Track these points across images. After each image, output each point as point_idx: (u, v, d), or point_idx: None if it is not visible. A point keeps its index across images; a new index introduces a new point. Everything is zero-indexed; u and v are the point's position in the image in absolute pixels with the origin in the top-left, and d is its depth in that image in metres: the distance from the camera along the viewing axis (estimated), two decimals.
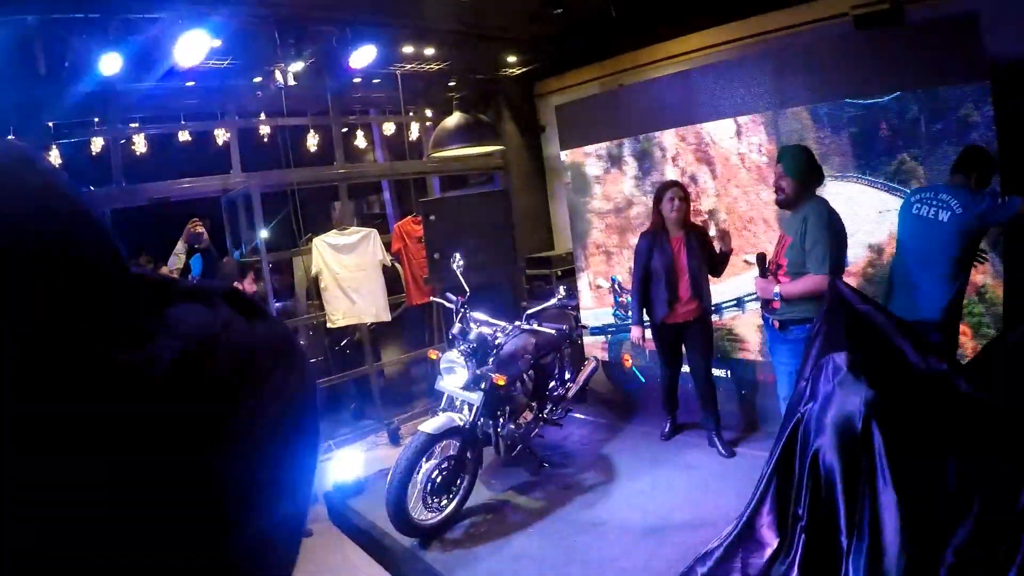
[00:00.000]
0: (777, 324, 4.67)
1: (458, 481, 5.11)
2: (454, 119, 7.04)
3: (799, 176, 4.57)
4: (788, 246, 4.59)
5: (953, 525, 2.73)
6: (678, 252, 5.69)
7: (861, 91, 5.57)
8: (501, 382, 5.22)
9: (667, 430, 6.27)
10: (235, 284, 4.55)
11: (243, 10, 5.29)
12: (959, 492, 2.77)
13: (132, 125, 6.45)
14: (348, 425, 7.35)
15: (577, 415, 6.87)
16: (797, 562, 3.10)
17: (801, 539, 3.13)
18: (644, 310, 5.92)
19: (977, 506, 2.73)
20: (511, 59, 7.58)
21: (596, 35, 7.32)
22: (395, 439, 6.96)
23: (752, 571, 3.40)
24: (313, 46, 5.85)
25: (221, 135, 6.75)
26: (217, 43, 5.38)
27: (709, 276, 5.77)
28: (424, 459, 4.89)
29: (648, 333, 5.96)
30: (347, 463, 5.93)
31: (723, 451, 5.79)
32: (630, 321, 6.15)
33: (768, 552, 3.36)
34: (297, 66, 5.90)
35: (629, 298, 6.42)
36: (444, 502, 5.03)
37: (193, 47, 5.28)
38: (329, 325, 6.92)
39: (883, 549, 2.80)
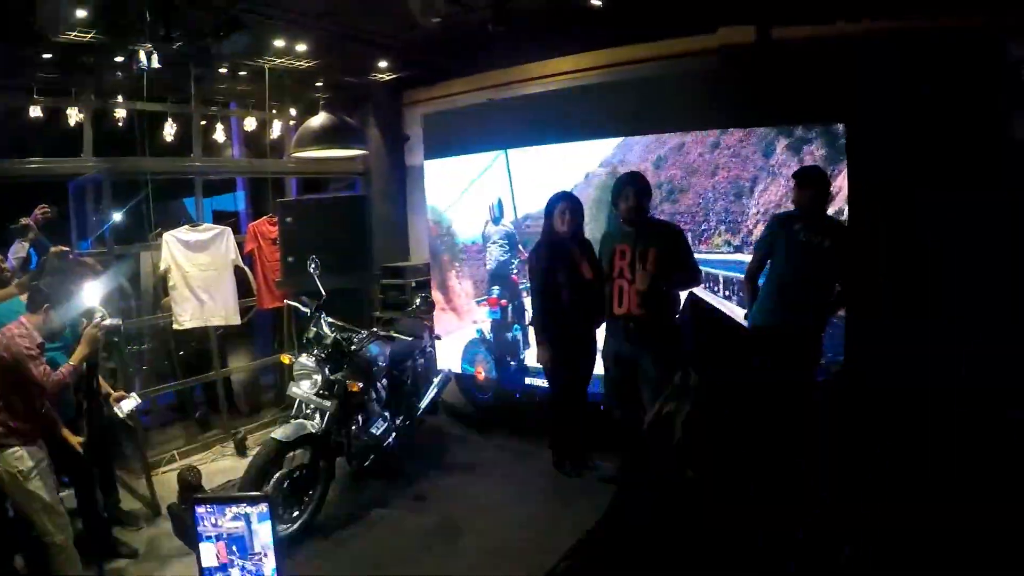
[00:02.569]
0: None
1: (310, 491, 4.94)
2: (319, 119, 6.85)
3: (648, 197, 5.24)
4: (656, 258, 5.03)
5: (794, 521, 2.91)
6: (578, 262, 5.49)
7: (725, 123, 5.80)
8: (356, 389, 5.12)
9: (569, 466, 5.84)
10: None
11: None
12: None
13: None
14: (192, 435, 6.97)
15: (430, 426, 6.79)
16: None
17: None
18: (549, 329, 5.57)
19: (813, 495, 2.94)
20: (382, 64, 7.46)
21: (470, 49, 7.31)
22: (242, 450, 6.64)
23: None
24: (184, 28, 5.54)
25: (74, 115, 6.30)
26: (83, 14, 5.01)
27: None
28: (275, 467, 4.69)
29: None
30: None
31: (569, 470, 5.80)
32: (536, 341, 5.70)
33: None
34: (164, 48, 5.58)
35: (530, 322, 6.15)
36: (296, 513, 4.85)
37: (57, 14, 4.88)
38: (176, 327, 6.52)
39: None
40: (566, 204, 5.48)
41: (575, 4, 6.09)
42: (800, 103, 5.54)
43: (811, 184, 4.93)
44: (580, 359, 5.66)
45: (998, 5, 4.88)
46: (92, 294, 4.34)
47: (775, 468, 2.99)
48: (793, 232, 4.94)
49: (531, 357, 6.62)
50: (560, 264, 5.45)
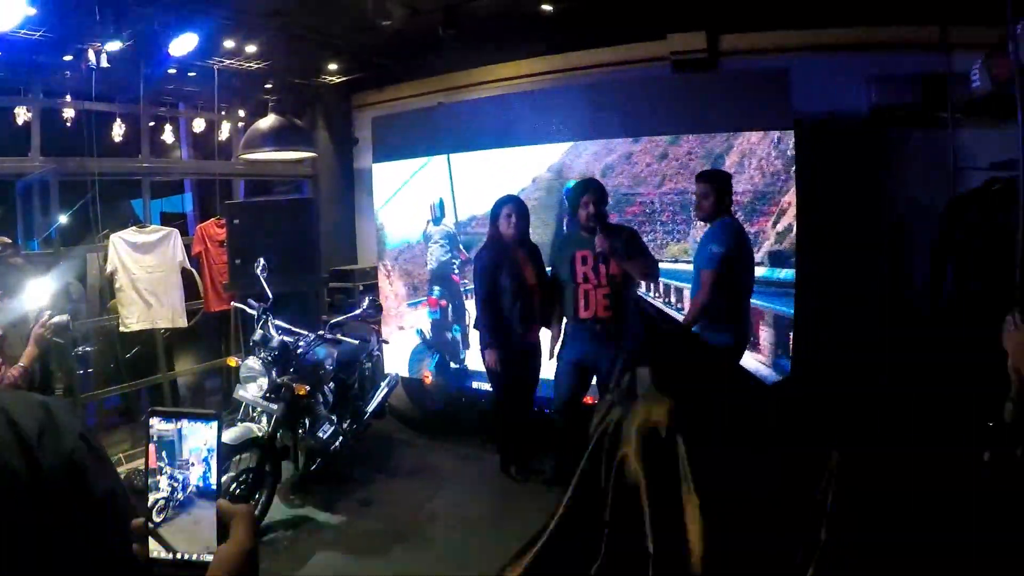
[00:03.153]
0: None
1: (256, 495, 4.90)
2: (268, 121, 6.83)
3: (606, 202, 5.33)
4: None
5: (755, 527, 2.87)
6: (525, 269, 5.54)
7: (674, 129, 5.90)
8: (302, 392, 5.09)
9: (515, 471, 5.86)
10: None
11: None
12: (760, 497, 2.92)
13: None
14: (139, 438, 6.87)
15: (377, 431, 6.78)
16: (604, 567, 3.17)
17: (607, 545, 3.20)
18: (496, 331, 5.58)
19: (778, 509, 2.89)
20: (332, 67, 7.45)
21: (420, 52, 7.34)
22: None
23: None
24: (133, 26, 5.49)
25: (22, 114, 6.20)
26: (32, 11, 4.94)
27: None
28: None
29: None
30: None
31: (515, 475, 5.85)
32: (480, 345, 5.73)
33: (575, 559, 3.42)
34: (114, 46, 5.51)
35: (474, 324, 6.02)
36: None
37: (7, 10, 4.81)
38: (122, 329, 6.42)
39: (688, 552, 2.90)
40: (512, 207, 5.53)
41: (526, 9, 6.17)
42: (748, 110, 5.67)
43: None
44: (526, 363, 5.71)
45: (941, 18, 5.05)
46: (39, 294, 4.27)
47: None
48: None
49: (472, 359, 6.67)
50: (504, 267, 5.49)
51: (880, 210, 5.82)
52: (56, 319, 4.12)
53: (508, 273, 5.48)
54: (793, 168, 5.46)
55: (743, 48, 6.13)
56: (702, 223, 5.30)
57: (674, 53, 6.25)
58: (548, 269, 5.61)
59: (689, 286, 5.55)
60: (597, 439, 3.53)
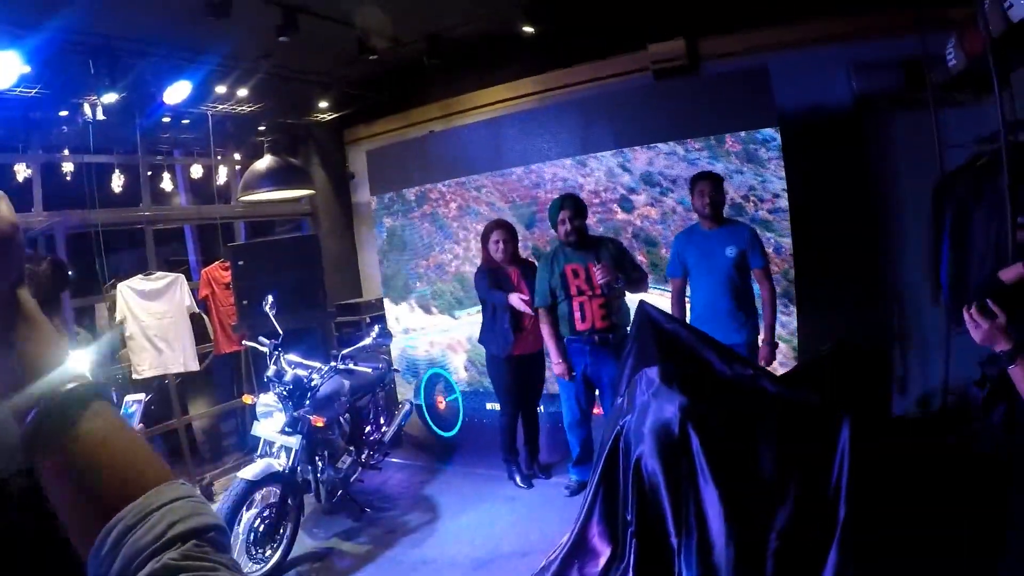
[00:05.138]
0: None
1: (281, 529, 4.94)
2: (264, 162, 6.94)
3: (584, 215, 5.50)
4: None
5: (773, 511, 2.93)
6: (518, 285, 5.81)
7: (661, 137, 5.98)
8: (320, 423, 5.14)
9: (520, 480, 6.07)
10: None
11: (59, 36, 5.00)
12: (775, 480, 2.98)
13: None
14: None
15: (395, 459, 6.84)
16: (632, 566, 3.22)
17: (633, 543, 3.25)
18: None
19: (793, 491, 2.94)
20: (322, 104, 7.56)
21: (407, 83, 7.46)
22: (208, 496, 6.60)
23: None
24: (127, 78, 5.60)
25: (21, 170, 6.29)
26: (27, 69, 5.05)
27: None
28: (245, 508, 4.70)
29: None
30: None
31: (522, 483, 6.03)
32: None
33: (602, 561, 3.48)
34: (109, 98, 5.61)
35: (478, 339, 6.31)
36: (268, 552, 4.85)
37: (3, 70, 4.90)
38: (135, 376, 6.49)
39: (711, 543, 2.97)
40: (499, 233, 5.80)
41: (507, 33, 6.28)
42: (731, 111, 5.77)
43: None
44: (528, 374, 5.99)
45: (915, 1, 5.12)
46: (82, 361, 4.35)
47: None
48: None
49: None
50: (497, 287, 5.79)
51: (871, 198, 5.91)
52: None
53: (502, 292, 5.77)
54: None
55: (722, 51, 6.23)
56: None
57: (655, 62, 6.35)
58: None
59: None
60: (612, 442, 3.61)
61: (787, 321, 5.57)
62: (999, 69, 4.05)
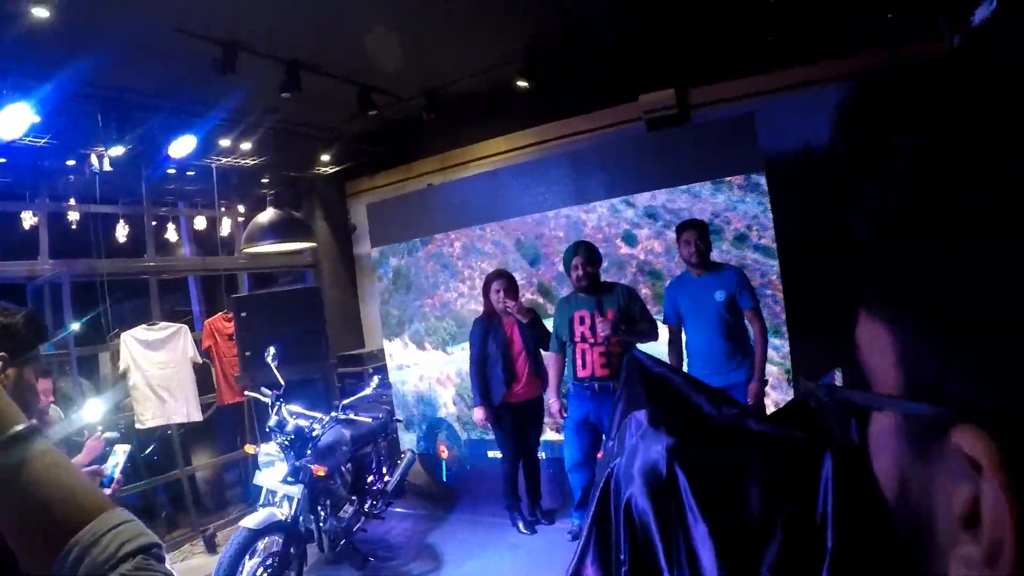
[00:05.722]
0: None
1: None
2: (267, 215, 7.05)
3: (598, 263, 5.51)
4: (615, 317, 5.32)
5: (763, 545, 2.95)
6: (511, 334, 5.91)
7: (652, 185, 6.12)
8: (321, 473, 5.16)
9: (522, 526, 6.13)
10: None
11: (69, 87, 5.15)
12: (763, 515, 3.01)
13: None
14: (160, 534, 6.90)
15: (398, 508, 6.84)
16: None
17: None
18: (484, 392, 5.99)
19: (781, 524, 2.98)
20: (325, 157, 7.70)
21: (407, 137, 7.61)
22: (211, 546, 6.61)
23: None
24: (135, 131, 5.74)
25: (28, 218, 6.40)
26: (37, 119, 5.18)
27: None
28: (248, 556, 4.72)
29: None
30: None
31: (525, 529, 6.07)
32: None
33: None
34: (116, 151, 5.75)
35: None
36: None
37: (14, 121, 5.01)
38: (138, 426, 6.54)
39: None
40: (500, 283, 5.87)
41: (504, 87, 6.43)
42: (720, 158, 5.89)
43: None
44: (524, 421, 6.04)
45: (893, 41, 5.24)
46: (96, 409, 4.52)
47: None
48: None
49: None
50: (492, 334, 5.90)
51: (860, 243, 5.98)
52: (108, 435, 4.33)
53: (495, 340, 5.88)
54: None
55: (711, 99, 6.40)
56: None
57: (647, 112, 6.51)
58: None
59: None
60: (603, 484, 3.64)
61: (779, 344, 5.67)
62: None
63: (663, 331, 5.55)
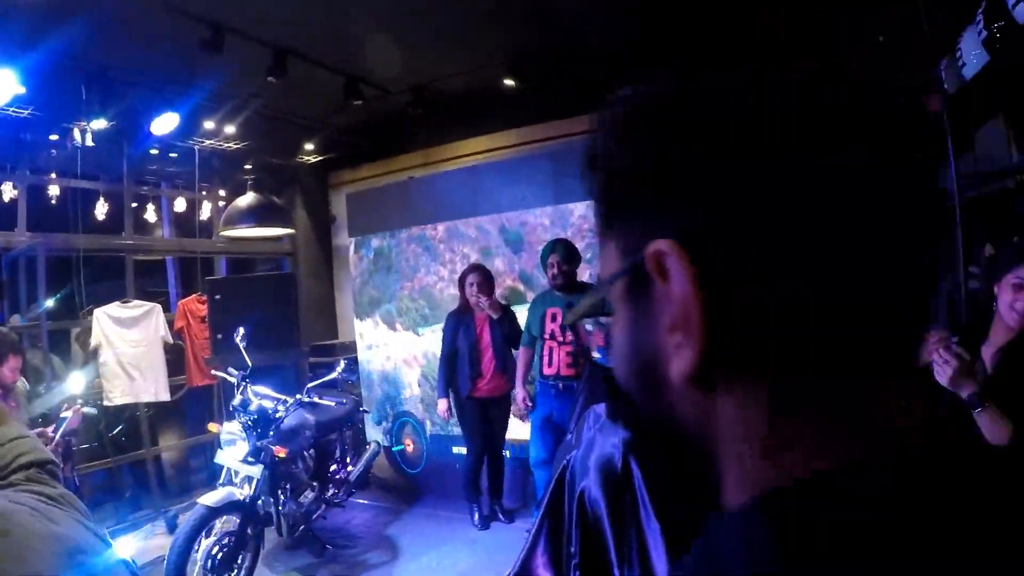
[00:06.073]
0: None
1: (239, 559, 4.93)
2: (247, 199, 7.06)
3: (575, 261, 5.46)
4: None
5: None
6: (481, 330, 5.95)
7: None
8: (282, 454, 5.17)
9: (477, 519, 6.20)
10: None
11: (53, 59, 5.17)
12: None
13: None
14: (122, 514, 6.90)
15: (360, 499, 6.86)
16: None
17: (576, 575, 3.30)
18: (449, 385, 6.07)
19: None
20: (308, 147, 7.74)
21: (391, 131, 7.65)
22: (173, 528, 6.58)
23: None
24: (118, 106, 5.75)
25: (8, 190, 6.40)
26: (22, 90, 5.20)
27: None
28: (204, 535, 4.72)
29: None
30: (122, 551, 5.57)
31: (479, 523, 6.15)
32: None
33: None
34: (98, 124, 5.76)
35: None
36: None
37: None
38: (105, 403, 6.53)
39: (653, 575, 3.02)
40: (474, 277, 5.88)
41: (490, 86, 6.48)
42: None
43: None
44: (487, 416, 6.09)
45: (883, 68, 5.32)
46: (78, 382, 4.56)
47: None
48: None
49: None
50: (462, 329, 5.95)
51: None
52: (86, 409, 4.38)
53: (465, 335, 5.94)
54: None
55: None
56: None
57: None
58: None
59: None
60: (558, 476, 3.68)
61: None
62: (954, 126, 4.19)
63: None
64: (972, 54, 3.78)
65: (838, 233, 0.49)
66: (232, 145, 7.11)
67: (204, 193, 8.03)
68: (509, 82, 6.50)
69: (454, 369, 6.02)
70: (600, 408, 3.66)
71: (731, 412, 0.52)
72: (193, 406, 8.00)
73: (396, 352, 7.44)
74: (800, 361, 0.50)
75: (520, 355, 5.79)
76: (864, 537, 0.43)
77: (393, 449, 7.42)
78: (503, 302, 6.16)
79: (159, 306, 6.97)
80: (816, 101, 0.51)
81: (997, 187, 4.19)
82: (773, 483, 0.49)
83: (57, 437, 4.10)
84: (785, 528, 0.46)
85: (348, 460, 6.47)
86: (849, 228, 0.49)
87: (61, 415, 4.29)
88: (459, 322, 6.00)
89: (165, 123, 6.11)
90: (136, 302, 6.84)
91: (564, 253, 5.44)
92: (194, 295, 7.44)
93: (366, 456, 6.62)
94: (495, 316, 5.83)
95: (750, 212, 0.49)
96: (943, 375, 2.50)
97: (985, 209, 4.33)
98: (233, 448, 5.22)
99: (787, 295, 0.49)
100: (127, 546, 5.73)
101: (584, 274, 5.72)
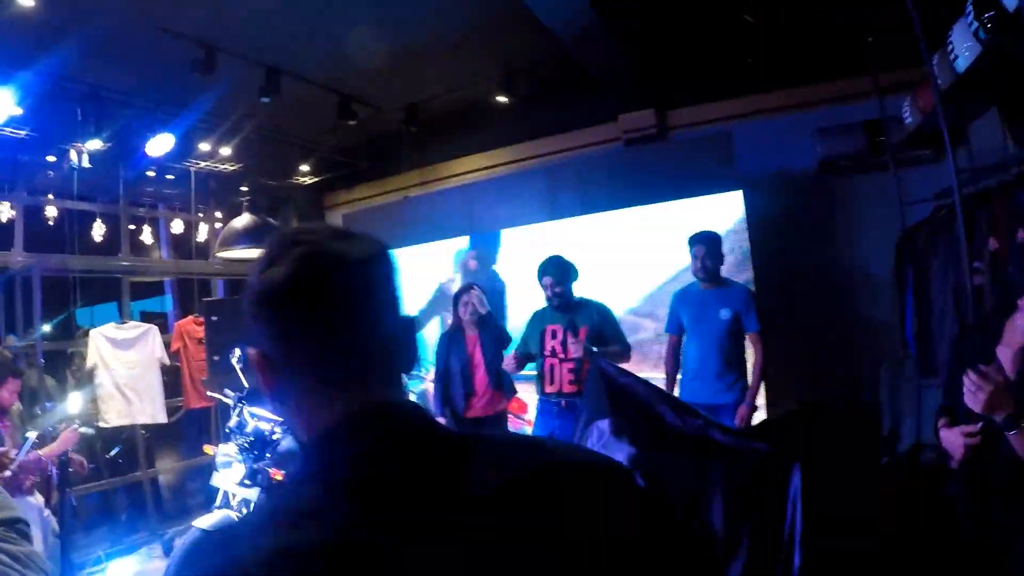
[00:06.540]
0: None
1: None
2: (243, 220, 7.05)
3: (570, 278, 5.36)
4: (587, 335, 5.20)
5: (727, 559, 2.96)
6: (473, 349, 5.83)
7: (629, 203, 6.16)
8: (279, 477, 5.10)
9: None
10: None
11: (50, 80, 5.19)
12: (727, 530, 3.02)
13: None
14: (118, 536, 6.84)
15: None
16: None
17: None
18: (445, 404, 5.95)
19: (746, 540, 2.98)
20: (304, 167, 7.74)
21: (386, 151, 7.65)
22: (169, 551, 6.53)
23: None
24: (113, 127, 5.76)
25: (5, 210, 6.38)
26: (19, 111, 5.22)
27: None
28: None
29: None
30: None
31: None
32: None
33: None
34: (94, 144, 5.76)
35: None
36: None
37: None
38: (102, 424, 6.48)
39: None
40: (467, 296, 5.81)
41: (484, 104, 6.49)
42: (697, 176, 5.98)
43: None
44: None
45: (872, 66, 5.32)
46: (77, 403, 4.56)
47: None
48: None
49: None
50: (454, 349, 5.85)
51: (836, 257, 6.11)
52: (83, 429, 4.38)
53: (456, 356, 5.82)
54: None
55: (690, 121, 6.47)
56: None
57: (626, 132, 6.57)
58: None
59: None
60: None
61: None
62: (949, 121, 4.14)
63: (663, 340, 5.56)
64: (964, 47, 3.74)
65: (309, 342, 0.97)
66: (228, 167, 7.11)
67: (200, 215, 8.01)
68: (502, 99, 6.51)
69: (448, 387, 5.95)
70: (604, 423, 3.63)
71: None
72: (191, 429, 7.95)
73: None
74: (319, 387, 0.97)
75: (508, 359, 5.61)
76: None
77: None
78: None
79: (155, 327, 6.93)
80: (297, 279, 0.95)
81: (996, 181, 4.13)
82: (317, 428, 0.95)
83: (18, 458, 4.05)
84: (321, 447, 0.94)
85: None
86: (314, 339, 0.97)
87: (68, 436, 4.32)
88: (451, 341, 5.93)
89: (160, 144, 6.11)
90: (132, 323, 6.81)
91: (556, 274, 5.37)
92: (191, 316, 7.41)
93: None
94: (483, 312, 5.75)
95: (274, 335, 0.98)
96: (976, 401, 2.24)
97: (986, 203, 4.29)
98: (229, 470, 5.17)
99: (292, 368, 0.98)
100: (123, 569, 5.66)
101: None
